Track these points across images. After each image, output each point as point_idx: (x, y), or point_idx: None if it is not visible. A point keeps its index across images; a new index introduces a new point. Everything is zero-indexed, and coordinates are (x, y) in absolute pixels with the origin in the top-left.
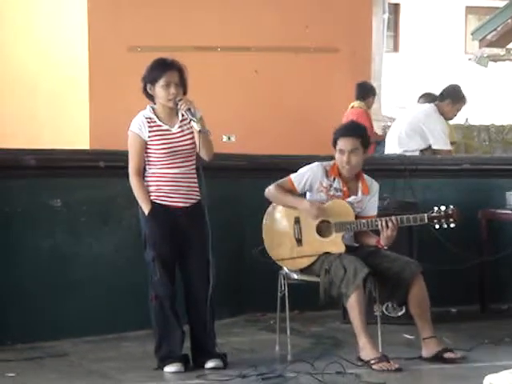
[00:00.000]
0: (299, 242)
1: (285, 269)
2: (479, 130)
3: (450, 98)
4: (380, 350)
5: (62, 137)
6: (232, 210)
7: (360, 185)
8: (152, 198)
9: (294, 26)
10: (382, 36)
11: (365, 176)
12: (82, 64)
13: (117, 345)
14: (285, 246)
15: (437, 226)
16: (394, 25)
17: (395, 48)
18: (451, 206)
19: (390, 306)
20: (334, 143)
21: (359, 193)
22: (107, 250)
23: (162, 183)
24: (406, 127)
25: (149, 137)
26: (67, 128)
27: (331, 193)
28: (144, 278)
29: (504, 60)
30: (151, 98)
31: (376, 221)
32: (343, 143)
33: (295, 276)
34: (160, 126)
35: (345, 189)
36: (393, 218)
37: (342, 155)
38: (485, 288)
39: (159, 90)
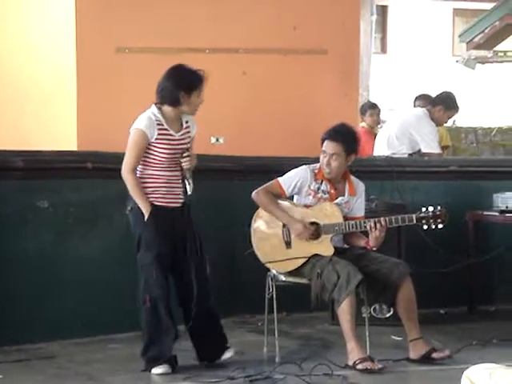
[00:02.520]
0: (288, 244)
1: (273, 271)
2: (466, 132)
3: (443, 105)
4: (368, 352)
5: (50, 138)
6: (220, 211)
7: (347, 186)
8: (150, 200)
9: (282, 27)
10: (370, 38)
11: (352, 177)
12: (69, 65)
13: (104, 347)
14: (274, 248)
15: (425, 227)
16: (382, 26)
17: (383, 50)
18: (439, 207)
19: (377, 307)
20: (321, 145)
21: (346, 193)
22: (94, 252)
23: (158, 185)
24: (395, 131)
25: (156, 139)
26: (55, 129)
27: (319, 195)
28: (132, 280)
29: (491, 62)
30: (173, 103)
31: (364, 222)
32: (326, 145)
33: (283, 278)
34: (167, 130)
35: (332, 191)
36: (381, 218)
37: (324, 157)
38: (472, 289)
39: (195, 98)
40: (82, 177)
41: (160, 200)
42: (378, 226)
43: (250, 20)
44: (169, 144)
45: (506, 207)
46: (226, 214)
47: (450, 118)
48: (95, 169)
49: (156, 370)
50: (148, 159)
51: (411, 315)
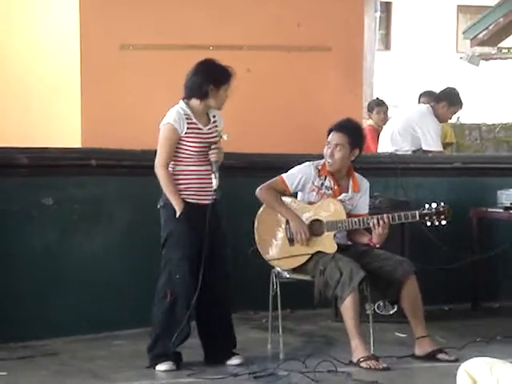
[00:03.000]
0: (291, 241)
1: (277, 268)
2: (470, 129)
3: (447, 101)
4: (372, 349)
5: (54, 135)
6: (224, 208)
7: (351, 182)
8: (182, 196)
9: (286, 24)
10: (374, 34)
11: (356, 174)
12: (73, 62)
13: (108, 343)
14: (277, 245)
15: (428, 224)
16: (385, 23)
17: (387, 46)
18: (442, 203)
19: (381, 304)
20: (327, 137)
21: (350, 190)
22: (99, 249)
23: (191, 181)
24: (399, 127)
25: (185, 133)
26: (59, 126)
27: (323, 192)
28: (135, 277)
29: (495, 59)
30: (201, 96)
31: (368, 219)
32: (331, 136)
33: (287, 275)
34: (196, 123)
35: (335, 187)
36: (384, 215)
37: (328, 148)
38: (476, 286)
39: (223, 92)
40: (87, 174)
41: (192, 197)
42: (380, 222)
43: (253, 17)
44: (198, 137)
45: (511, 204)
46: (230, 211)
47: (454, 114)
48: (99, 166)
49: (160, 367)
50: (178, 154)
51: (417, 313)
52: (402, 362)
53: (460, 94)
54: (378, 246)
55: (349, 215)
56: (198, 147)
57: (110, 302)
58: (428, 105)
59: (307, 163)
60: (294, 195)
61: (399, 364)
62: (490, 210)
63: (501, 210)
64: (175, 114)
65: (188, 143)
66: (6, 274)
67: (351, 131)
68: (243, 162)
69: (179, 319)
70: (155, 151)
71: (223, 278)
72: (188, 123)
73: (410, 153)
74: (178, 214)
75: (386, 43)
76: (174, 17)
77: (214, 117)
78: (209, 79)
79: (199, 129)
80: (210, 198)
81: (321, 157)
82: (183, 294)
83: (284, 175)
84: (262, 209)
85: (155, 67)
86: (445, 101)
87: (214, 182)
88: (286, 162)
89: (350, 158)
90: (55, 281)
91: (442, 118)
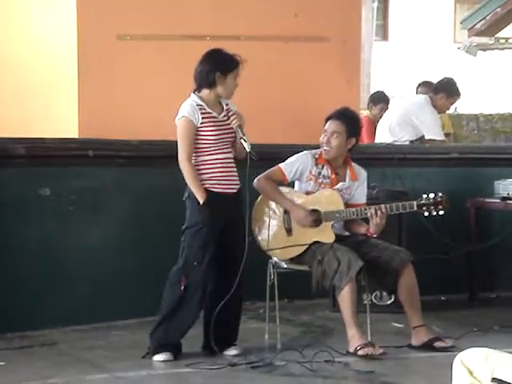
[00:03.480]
0: (289, 231)
1: (274, 258)
2: (468, 119)
3: (445, 92)
4: (369, 339)
5: (51, 125)
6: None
7: (348, 171)
8: (206, 186)
9: (283, 14)
10: (372, 25)
11: (353, 163)
12: (70, 52)
13: (106, 333)
14: (275, 235)
15: (426, 214)
16: (383, 13)
17: (384, 37)
18: (440, 194)
19: (378, 294)
20: (324, 125)
21: (347, 179)
22: (96, 239)
23: (214, 169)
24: (397, 118)
25: (201, 123)
26: (56, 117)
27: (320, 180)
28: (133, 267)
29: (493, 49)
30: (209, 84)
31: (365, 209)
32: (328, 124)
33: (284, 265)
34: (210, 112)
35: (333, 176)
36: (382, 206)
37: (325, 135)
38: (473, 276)
39: (231, 80)
40: (84, 164)
41: (216, 186)
42: (378, 213)
43: (251, 7)
44: (215, 125)
45: (508, 194)
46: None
47: (453, 104)
48: (96, 156)
49: (158, 357)
50: (198, 145)
51: (413, 302)
52: (398, 352)
53: (457, 84)
54: (375, 236)
55: (346, 205)
56: (216, 135)
57: (108, 292)
58: (426, 95)
59: (304, 152)
60: (292, 185)
61: (396, 354)
62: (487, 200)
63: (498, 200)
64: (188, 106)
65: (206, 132)
66: (3, 264)
67: (348, 120)
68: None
69: (189, 307)
70: (152, 141)
71: (238, 269)
72: (202, 113)
73: (408, 143)
74: (201, 203)
75: (384, 33)
76: (172, 7)
77: (226, 105)
78: (215, 67)
79: (214, 117)
80: (235, 186)
81: (318, 147)
82: (197, 281)
83: (281, 165)
84: (259, 199)
85: (152, 57)
86: (443, 92)
87: (246, 146)
88: (283, 153)
89: (346, 147)
90: (53, 271)
91: (440, 109)
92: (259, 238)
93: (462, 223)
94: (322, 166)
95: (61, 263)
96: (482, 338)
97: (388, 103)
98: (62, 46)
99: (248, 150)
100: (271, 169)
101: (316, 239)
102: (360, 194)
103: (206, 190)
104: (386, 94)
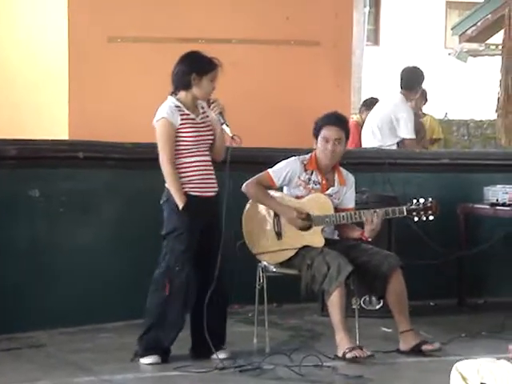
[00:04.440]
0: (279, 235)
1: (263, 262)
2: (458, 125)
3: (418, 85)
4: (357, 343)
5: (42, 127)
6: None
7: (336, 176)
8: (185, 189)
9: (274, 18)
10: (363, 29)
11: (340, 168)
12: (61, 54)
13: (94, 336)
14: (264, 239)
15: (416, 219)
16: (374, 18)
17: (376, 41)
18: (430, 199)
19: (367, 299)
20: (317, 132)
21: (336, 183)
22: (85, 241)
23: (193, 172)
24: (377, 121)
25: (180, 124)
26: (47, 118)
27: (310, 186)
28: (122, 270)
29: (483, 55)
30: (185, 86)
31: (355, 213)
32: (329, 132)
33: (273, 269)
34: (188, 114)
35: (323, 182)
36: (378, 210)
37: (327, 143)
38: (462, 282)
39: (207, 82)
40: (74, 166)
41: (195, 189)
42: (374, 218)
43: (242, 10)
44: (193, 127)
45: (497, 200)
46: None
47: (422, 93)
48: (87, 158)
49: (145, 360)
50: (177, 147)
51: (401, 307)
52: (387, 357)
53: (420, 71)
54: (369, 239)
55: (336, 209)
56: (195, 137)
57: (96, 294)
58: (400, 94)
59: (293, 158)
60: (280, 190)
61: (384, 359)
62: (476, 206)
63: (487, 207)
64: (167, 107)
65: (185, 134)
66: None
67: (345, 125)
68: (230, 155)
69: (174, 311)
70: (144, 144)
71: (221, 272)
72: (181, 114)
73: (394, 147)
74: (180, 208)
75: (375, 38)
76: (163, 10)
77: (202, 108)
78: (191, 68)
79: (192, 119)
80: (213, 189)
81: (309, 151)
82: (181, 285)
83: (270, 170)
84: (249, 204)
85: (143, 60)
86: (416, 86)
87: (228, 131)
88: (273, 157)
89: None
90: (41, 273)
91: (417, 105)
92: (249, 241)
93: (452, 229)
94: (312, 172)
95: (50, 265)
96: (470, 344)
97: None
98: (53, 47)
99: (231, 135)
100: (260, 174)
101: (306, 243)
102: (348, 199)
103: (186, 194)
104: (379, 99)
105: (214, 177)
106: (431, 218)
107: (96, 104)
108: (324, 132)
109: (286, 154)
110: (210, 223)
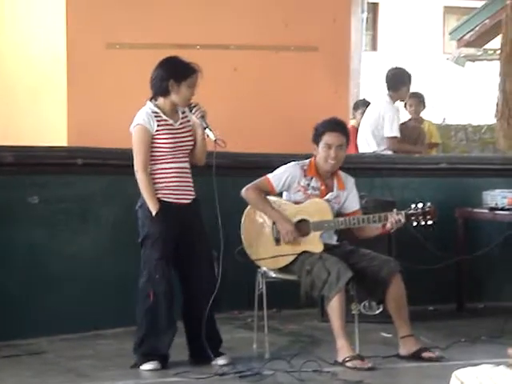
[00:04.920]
0: (278, 241)
1: (263, 267)
2: (456, 130)
3: (403, 86)
4: (357, 349)
5: (40, 134)
6: (212, 208)
7: (335, 181)
8: (159, 195)
9: (273, 24)
10: (361, 35)
11: (339, 172)
12: (59, 61)
13: (93, 343)
14: (263, 245)
15: (414, 224)
16: (372, 24)
17: (374, 47)
18: (428, 204)
19: (367, 304)
20: (318, 138)
21: (335, 188)
22: (84, 248)
23: (168, 179)
24: (369, 128)
25: (156, 130)
26: (45, 125)
27: (309, 192)
28: (121, 276)
29: (481, 60)
30: (163, 92)
31: (353, 219)
32: (330, 138)
33: (273, 274)
34: (166, 120)
35: (323, 187)
36: (394, 212)
37: (329, 149)
38: (461, 287)
39: (185, 88)
40: (73, 172)
41: (169, 196)
42: (394, 224)
43: (241, 16)
44: (170, 133)
45: (496, 204)
46: (215, 211)
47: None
48: (85, 164)
49: (146, 366)
50: (154, 153)
51: (401, 312)
52: (387, 362)
53: (404, 73)
54: (392, 231)
55: (341, 215)
56: (172, 143)
57: (96, 300)
58: (387, 95)
59: (292, 163)
60: (280, 195)
61: (384, 364)
62: (475, 210)
63: (486, 211)
64: (144, 114)
65: (161, 140)
66: None
67: (345, 130)
68: (229, 161)
69: (164, 319)
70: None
71: (207, 277)
72: (158, 121)
73: (389, 151)
74: (153, 214)
75: (373, 44)
76: (161, 16)
77: (183, 113)
78: (168, 74)
79: (170, 125)
80: (189, 196)
81: (307, 157)
82: (164, 292)
83: (269, 175)
84: (248, 208)
85: (141, 66)
86: (404, 85)
87: (211, 135)
88: (272, 162)
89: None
90: (40, 280)
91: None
92: (248, 247)
93: (450, 233)
94: (311, 178)
95: (48, 271)
96: (470, 349)
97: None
98: (51, 54)
99: (214, 139)
100: (259, 179)
101: (304, 249)
102: (352, 202)
103: (160, 200)
104: (367, 100)
105: (190, 184)
106: (430, 222)
107: (94, 110)
108: (326, 138)
109: (284, 159)
110: (189, 230)
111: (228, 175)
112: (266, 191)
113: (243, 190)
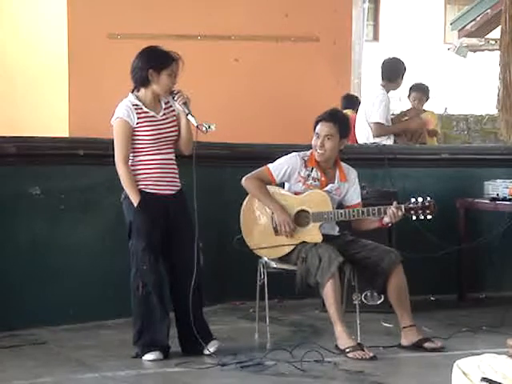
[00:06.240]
0: (277, 231)
1: (264, 257)
2: (458, 120)
3: (398, 76)
4: (359, 339)
5: (42, 124)
6: (213, 198)
7: (337, 172)
8: (141, 187)
9: (274, 14)
10: (363, 25)
11: (342, 164)
12: (61, 51)
13: (96, 333)
14: (262, 235)
15: (413, 218)
16: (374, 14)
17: (375, 37)
18: (428, 198)
19: (368, 294)
20: (314, 128)
21: (336, 180)
22: (86, 238)
23: (149, 170)
24: (363, 117)
25: (137, 123)
26: (46, 116)
27: (309, 182)
28: (123, 266)
29: (482, 50)
30: (143, 83)
31: (353, 211)
32: (320, 127)
33: (274, 265)
34: (147, 112)
35: (323, 178)
36: (394, 204)
37: (317, 139)
38: (463, 277)
39: (164, 77)
40: (74, 163)
41: (152, 187)
42: (397, 212)
43: (241, 7)
44: (152, 125)
45: (497, 195)
46: (219, 201)
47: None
48: (87, 155)
49: (148, 357)
50: (135, 145)
51: (403, 302)
52: (388, 352)
53: (400, 64)
54: (389, 225)
55: (342, 207)
56: (154, 135)
57: (98, 291)
58: (380, 85)
59: (293, 154)
60: (280, 185)
61: (386, 354)
62: (476, 200)
63: (487, 201)
64: (123, 107)
65: (142, 132)
66: None
67: (340, 121)
68: (231, 151)
69: (157, 309)
70: None
71: (192, 268)
72: (138, 113)
73: (390, 142)
74: (135, 205)
75: (375, 34)
76: (162, 6)
77: (166, 103)
78: (147, 64)
79: (152, 117)
80: (172, 187)
81: (308, 147)
82: (154, 282)
83: (270, 165)
84: (247, 198)
85: None
86: (396, 77)
87: (194, 121)
88: (273, 153)
89: (338, 148)
90: (42, 270)
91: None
92: (247, 236)
93: (452, 224)
94: (312, 169)
95: (51, 262)
96: (471, 339)
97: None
98: (52, 44)
99: (196, 125)
100: (259, 169)
101: (303, 239)
102: (353, 195)
103: (141, 192)
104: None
105: (175, 175)
106: (429, 217)
107: (96, 101)
108: (317, 128)
109: (284, 149)
110: (174, 221)
111: (229, 165)
112: (267, 181)
113: (243, 179)
